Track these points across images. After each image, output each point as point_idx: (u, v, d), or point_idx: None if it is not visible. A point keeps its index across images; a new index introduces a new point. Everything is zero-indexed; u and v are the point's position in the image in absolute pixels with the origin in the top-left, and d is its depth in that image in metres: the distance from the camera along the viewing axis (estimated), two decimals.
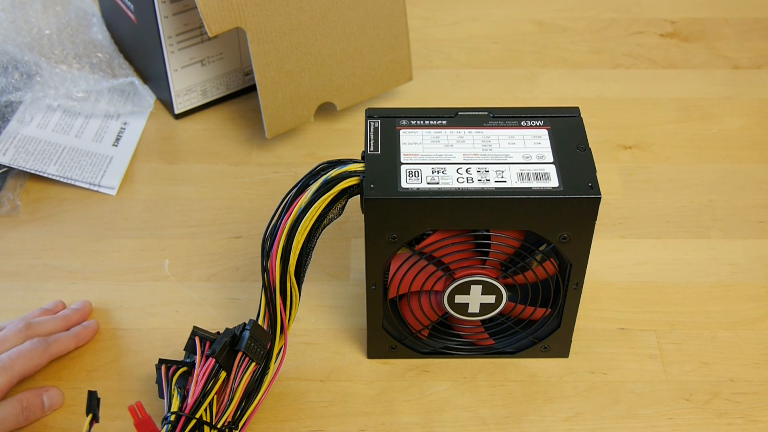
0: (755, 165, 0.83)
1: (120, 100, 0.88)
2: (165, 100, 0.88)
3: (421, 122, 0.62)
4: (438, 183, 0.58)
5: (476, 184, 0.58)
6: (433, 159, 0.60)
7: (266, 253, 0.60)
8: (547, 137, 0.61)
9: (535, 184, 0.58)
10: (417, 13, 1.00)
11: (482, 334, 0.66)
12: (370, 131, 0.62)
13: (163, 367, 0.60)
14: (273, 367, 0.60)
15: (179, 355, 0.67)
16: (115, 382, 0.65)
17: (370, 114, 0.63)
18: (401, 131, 0.62)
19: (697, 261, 0.74)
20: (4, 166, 0.80)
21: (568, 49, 0.97)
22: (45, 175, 0.80)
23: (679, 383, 0.65)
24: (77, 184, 0.80)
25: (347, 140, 0.85)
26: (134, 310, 0.70)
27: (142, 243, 0.75)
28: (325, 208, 0.60)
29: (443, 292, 0.62)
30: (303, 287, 0.66)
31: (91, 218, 0.78)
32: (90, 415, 0.56)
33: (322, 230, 0.61)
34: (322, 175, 0.60)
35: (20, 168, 0.80)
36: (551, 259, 0.61)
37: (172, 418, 0.56)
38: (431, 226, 0.59)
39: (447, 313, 0.64)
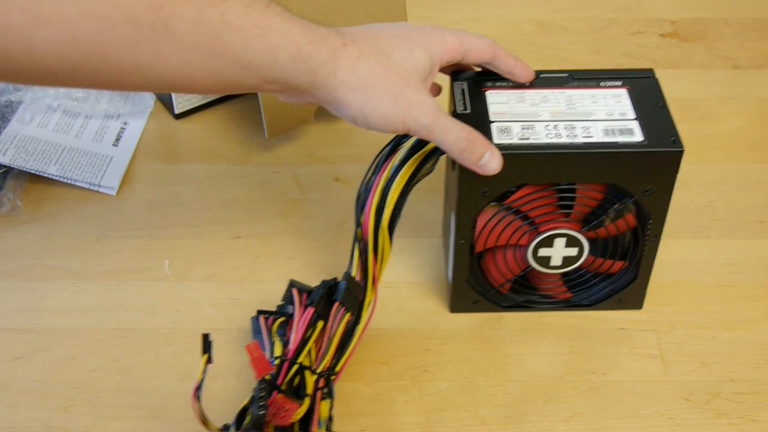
0: (755, 165, 0.83)
1: (120, 100, 0.88)
2: (165, 100, 0.88)
3: (506, 84, 0.65)
4: (528, 139, 0.61)
5: (565, 140, 0.61)
6: (521, 117, 0.62)
7: (360, 208, 0.62)
8: (627, 96, 0.64)
9: (620, 139, 0.61)
10: (417, 13, 1.00)
11: (561, 287, 0.68)
12: (457, 92, 0.64)
13: (261, 317, 0.63)
14: (364, 317, 0.62)
15: (180, 354, 0.67)
16: (115, 382, 0.65)
17: (456, 78, 0.66)
18: (487, 92, 0.64)
19: (697, 261, 0.74)
20: (4, 166, 0.80)
21: (568, 49, 0.97)
22: (45, 175, 0.80)
23: (679, 383, 0.65)
24: (77, 184, 0.80)
25: (347, 140, 0.85)
26: (134, 310, 0.70)
27: (142, 243, 0.75)
28: (418, 165, 0.62)
29: (527, 246, 0.65)
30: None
31: (91, 218, 0.78)
32: (205, 356, 0.56)
33: (413, 186, 0.63)
34: None
35: (20, 168, 0.80)
36: (631, 213, 0.64)
37: (276, 362, 0.59)
38: (522, 180, 0.62)
39: (529, 267, 0.66)
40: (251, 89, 0.54)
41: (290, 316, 0.62)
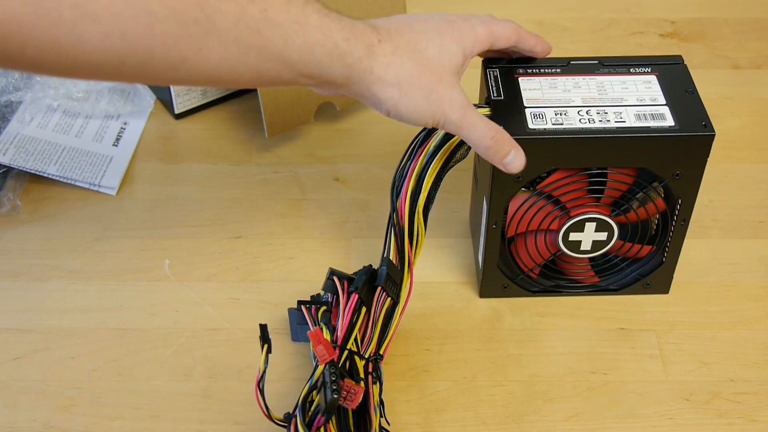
0: (755, 165, 0.83)
1: (120, 100, 0.88)
2: (165, 100, 0.88)
3: (537, 70, 0.66)
4: (562, 124, 0.62)
5: (598, 125, 0.62)
6: (554, 103, 0.63)
7: (396, 193, 0.64)
8: (657, 82, 0.65)
9: (652, 123, 0.62)
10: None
11: (589, 272, 0.70)
12: (490, 79, 0.65)
13: (303, 307, 0.63)
14: (402, 299, 0.64)
15: (180, 354, 0.67)
16: (115, 382, 0.65)
17: (488, 64, 0.66)
18: (519, 79, 0.65)
19: (697, 261, 0.74)
20: (4, 166, 0.80)
21: (568, 49, 0.97)
22: (45, 175, 0.80)
23: (679, 383, 0.65)
24: (77, 184, 0.80)
25: (347, 140, 0.85)
26: (134, 310, 0.70)
27: (142, 243, 0.75)
28: (452, 150, 0.63)
29: (558, 230, 0.66)
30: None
31: (91, 218, 0.78)
32: (265, 345, 0.58)
33: (447, 171, 0.65)
34: None
35: (20, 168, 0.80)
36: (660, 197, 0.65)
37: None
38: (556, 164, 0.63)
39: (560, 251, 0.67)
40: (287, 83, 0.55)
41: (330, 305, 0.63)
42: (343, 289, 0.62)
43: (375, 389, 0.60)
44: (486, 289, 0.71)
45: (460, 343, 0.68)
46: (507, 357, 0.67)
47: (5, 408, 0.64)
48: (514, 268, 0.69)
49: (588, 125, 0.62)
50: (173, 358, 0.67)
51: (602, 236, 0.67)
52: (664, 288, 0.71)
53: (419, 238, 0.64)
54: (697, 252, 0.75)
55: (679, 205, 0.65)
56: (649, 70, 0.66)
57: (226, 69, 0.52)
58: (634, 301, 0.71)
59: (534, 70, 0.66)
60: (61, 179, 0.80)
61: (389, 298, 0.62)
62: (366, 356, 0.60)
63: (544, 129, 0.61)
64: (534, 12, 1.02)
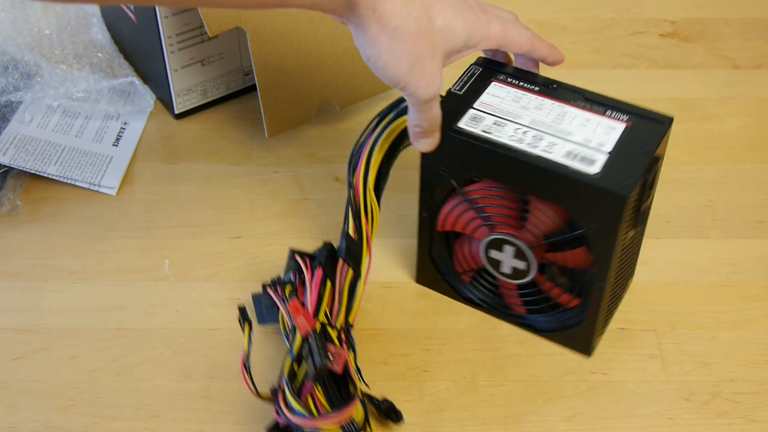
0: (755, 165, 0.83)
1: (120, 100, 0.88)
2: (165, 100, 0.88)
3: (516, 82, 0.64)
4: (491, 134, 0.60)
5: (522, 146, 0.59)
6: (502, 114, 0.62)
7: (352, 169, 0.65)
8: (621, 131, 0.60)
9: (574, 165, 0.58)
10: None
11: (517, 300, 0.67)
12: (466, 74, 0.65)
13: (270, 289, 0.64)
14: (363, 272, 0.65)
15: (180, 354, 0.67)
16: (115, 382, 0.65)
17: (478, 62, 0.66)
18: (493, 83, 0.64)
19: (697, 261, 0.74)
20: (4, 166, 0.80)
21: (568, 49, 0.97)
22: (45, 175, 0.80)
23: (679, 383, 0.65)
24: (77, 184, 0.80)
25: (347, 140, 0.85)
26: (134, 310, 0.70)
27: (142, 243, 0.75)
28: (401, 132, 0.65)
29: (480, 241, 0.65)
30: None
31: (91, 218, 0.78)
32: (246, 324, 0.60)
33: (400, 150, 0.67)
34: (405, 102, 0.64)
35: (20, 168, 0.80)
36: (584, 249, 0.61)
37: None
38: (472, 171, 0.62)
39: (484, 264, 0.66)
40: (278, 5, 0.54)
41: (294, 284, 0.63)
42: (306, 266, 0.63)
43: (350, 356, 0.61)
44: (420, 277, 0.71)
45: (460, 343, 0.68)
46: (507, 357, 0.67)
47: (5, 408, 0.64)
48: (449, 265, 0.69)
49: (512, 144, 0.59)
50: (173, 358, 0.67)
51: (521, 265, 0.64)
52: (585, 348, 0.66)
53: (374, 214, 0.66)
54: (697, 252, 0.75)
55: (596, 263, 0.61)
56: (625, 118, 0.61)
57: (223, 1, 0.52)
58: (634, 301, 0.71)
59: (512, 81, 0.64)
60: (61, 179, 0.80)
61: (351, 270, 0.64)
62: (337, 326, 0.61)
63: (469, 132, 0.60)
64: (534, 12, 1.02)
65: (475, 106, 0.63)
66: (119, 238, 0.76)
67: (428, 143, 0.62)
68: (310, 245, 0.75)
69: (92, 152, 0.83)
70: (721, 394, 0.65)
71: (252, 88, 0.90)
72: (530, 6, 1.03)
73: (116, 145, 0.84)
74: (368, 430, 0.59)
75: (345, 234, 0.65)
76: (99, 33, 0.91)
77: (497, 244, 0.64)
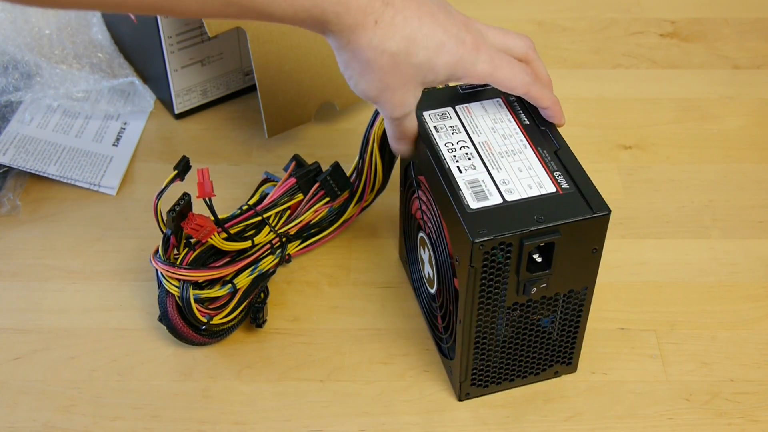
0: (755, 165, 0.83)
1: (120, 100, 0.88)
2: (165, 100, 0.88)
3: (516, 109, 0.63)
4: (436, 133, 0.61)
5: (446, 155, 0.60)
6: (467, 124, 0.62)
7: (372, 121, 0.69)
8: (544, 192, 0.57)
9: (465, 193, 0.56)
10: None
11: (435, 308, 0.66)
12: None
13: (265, 176, 0.73)
14: (340, 221, 0.72)
15: (180, 354, 0.67)
16: (115, 382, 0.65)
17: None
18: (496, 99, 0.64)
19: (697, 261, 0.74)
20: (4, 166, 0.80)
21: (568, 49, 0.97)
22: (45, 175, 0.80)
23: (679, 383, 0.65)
24: (77, 184, 0.80)
25: (347, 140, 0.85)
26: (134, 310, 0.70)
27: (142, 243, 0.75)
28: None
29: (418, 231, 0.66)
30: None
31: (91, 218, 0.78)
32: (175, 172, 0.66)
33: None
34: None
35: (20, 168, 0.80)
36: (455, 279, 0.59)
37: (244, 207, 0.69)
38: (416, 159, 0.63)
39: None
40: (273, 21, 0.55)
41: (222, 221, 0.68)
42: (289, 171, 0.70)
43: (270, 260, 0.67)
44: (403, 253, 0.72)
45: None
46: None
47: (5, 408, 0.64)
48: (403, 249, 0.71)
49: (442, 149, 0.59)
50: (173, 358, 0.67)
51: (430, 272, 0.64)
52: (455, 386, 0.63)
53: (378, 177, 0.71)
54: (697, 252, 0.75)
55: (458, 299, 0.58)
56: (565, 187, 0.57)
57: (205, 15, 0.54)
58: (634, 301, 0.71)
59: (514, 106, 0.63)
60: (61, 179, 0.80)
61: (326, 200, 0.69)
62: (277, 230, 0.67)
63: (423, 123, 0.62)
64: (534, 12, 1.02)
65: (456, 106, 0.63)
66: (119, 238, 0.76)
67: (399, 149, 0.63)
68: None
69: (92, 152, 0.83)
70: (721, 394, 0.65)
71: (252, 88, 0.90)
72: (530, 6, 1.03)
73: (116, 145, 0.84)
74: (229, 317, 0.65)
75: (336, 164, 0.70)
76: (99, 33, 0.91)
77: (423, 243, 0.65)
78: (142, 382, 0.65)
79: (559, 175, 0.58)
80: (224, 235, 0.65)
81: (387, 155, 0.71)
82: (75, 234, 0.76)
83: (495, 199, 0.56)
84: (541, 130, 0.61)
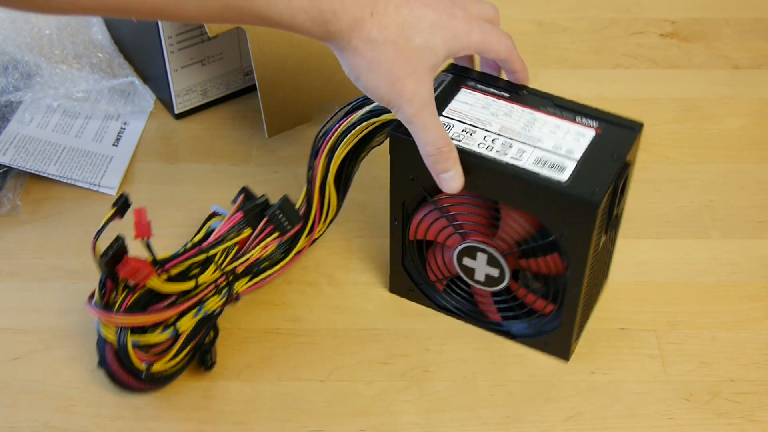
0: (755, 165, 0.83)
1: (120, 100, 0.88)
2: (165, 100, 0.88)
3: (486, 88, 0.64)
4: (460, 142, 0.60)
5: (491, 154, 0.59)
6: (472, 121, 0.61)
7: (315, 152, 0.66)
8: (590, 138, 0.60)
9: (544, 172, 0.58)
10: None
11: (491, 307, 0.67)
12: (436, 81, 0.64)
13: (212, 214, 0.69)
14: (290, 257, 0.68)
15: None
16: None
17: (447, 69, 0.65)
18: (463, 89, 0.64)
19: (697, 261, 0.74)
20: (4, 166, 0.80)
21: (568, 49, 0.97)
22: (45, 175, 0.80)
23: (679, 383, 0.65)
24: (77, 184, 0.80)
25: None
26: None
27: (141, 243, 0.75)
28: (372, 131, 0.66)
29: (453, 249, 0.64)
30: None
31: (91, 218, 0.78)
32: (114, 209, 0.62)
33: (366, 151, 0.68)
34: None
35: (20, 168, 0.80)
36: (557, 256, 0.61)
37: (188, 245, 0.65)
38: None
39: (458, 272, 0.66)
40: (271, 26, 0.55)
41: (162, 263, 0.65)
42: (237, 205, 0.66)
43: (215, 300, 0.64)
44: (394, 286, 0.70)
45: (460, 343, 0.68)
46: (507, 357, 0.67)
47: (5, 408, 0.64)
48: (423, 273, 0.68)
49: (482, 151, 0.59)
50: None
51: (494, 272, 0.63)
52: (563, 353, 0.66)
53: (330, 208, 0.68)
54: (697, 252, 0.75)
55: (569, 270, 0.60)
56: (595, 125, 0.61)
57: (203, 19, 0.54)
58: (634, 301, 0.71)
59: (482, 87, 0.64)
60: (61, 179, 0.80)
61: (276, 234, 0.66)
62: (223, 269, 0.64)
63: None
64: (534, 12, 1.02)
65: (444, 113, 0.62)
66: None
67: (451, 178, 0.59)
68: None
69: (92, 152, 0.83)
70: (721, 394, 0.65)
71: (252, 88, 0.90)
72: (530, 6, 1.03)
73: (116, 145, 0.84)
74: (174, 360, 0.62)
75: (285, 197, 0.66)
76: (99, 33, 0.91)
77: (470, 252, 0.64)
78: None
79: (581, 119, 0.61)
80: (165, 275, 0.62)
81: (342, 185, 0.68)
82: (75, 234, 0.76)
83: (569, 163, 0.58)
84: (522, 94, 0.63)
